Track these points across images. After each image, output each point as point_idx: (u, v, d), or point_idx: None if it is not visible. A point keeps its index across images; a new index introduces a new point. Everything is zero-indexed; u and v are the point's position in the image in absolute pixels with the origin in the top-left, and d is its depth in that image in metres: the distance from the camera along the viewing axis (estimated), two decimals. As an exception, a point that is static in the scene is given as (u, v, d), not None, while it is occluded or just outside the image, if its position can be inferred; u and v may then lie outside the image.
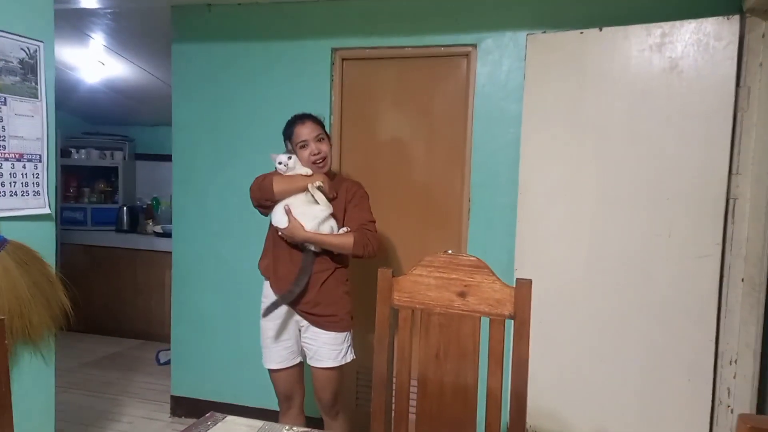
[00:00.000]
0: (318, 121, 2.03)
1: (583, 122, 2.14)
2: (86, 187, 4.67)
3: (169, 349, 3.12)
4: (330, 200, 1.97)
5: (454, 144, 2.55)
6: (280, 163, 1.96)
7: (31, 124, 1.88)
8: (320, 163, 1.98)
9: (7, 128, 1.81)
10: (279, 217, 1.93)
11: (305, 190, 1.92)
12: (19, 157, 1.85)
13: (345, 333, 2.00)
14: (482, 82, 2.46)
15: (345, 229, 1.95)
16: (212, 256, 2.91)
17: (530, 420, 2.21)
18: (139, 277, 4.30)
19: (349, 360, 2.02)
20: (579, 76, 2.14)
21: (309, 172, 1.96)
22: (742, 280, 1.97)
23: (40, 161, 1.91)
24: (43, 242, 1.94)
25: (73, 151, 4.56)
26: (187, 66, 2.88)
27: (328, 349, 1.97)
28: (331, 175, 2.06)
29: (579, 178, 2.16)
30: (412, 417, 1.51)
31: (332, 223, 1.95)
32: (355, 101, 2.69)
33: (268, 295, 2.01)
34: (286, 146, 2.06)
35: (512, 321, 1.40)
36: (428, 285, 1.47)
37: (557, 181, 2.20)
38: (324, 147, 1.99)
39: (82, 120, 4.88)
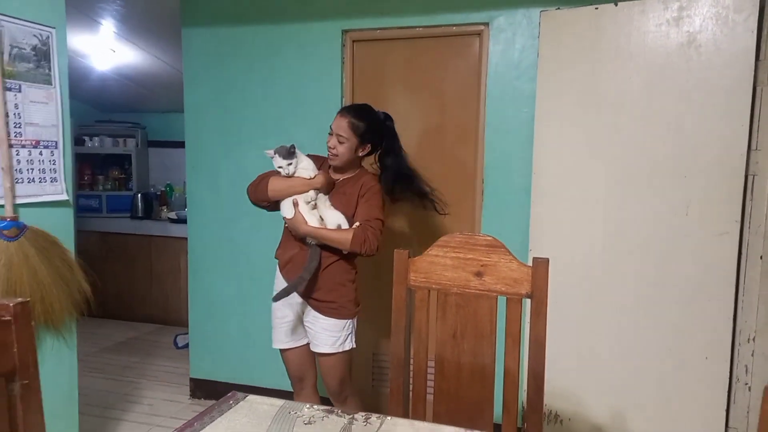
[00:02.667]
0: (350, 121, 1.95)
1: (599, 100, 2.11)
2: (100, 175, 4.71)
3: (187, 333, 3.17)
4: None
5: (466, 125, 2.53)
6: (279, 167, 1.93)
7: (46, 111, 1.89)
8: (331, 156, 1.99)
9: (23, 115, 1.82)
10: (286, 208, 1.95)
11: (301, 193, 1.93)
12: (36, 144, 1.86)
13: (345, 321, 1.99)
14: (495, 62, 2.43)
15: (357, 224, 1.94)
16: (226, 241, 2.93)
17: (547, 400, 2.22)
18: (155, 263, 4.35)
19: (347, 348, 2.01)
20: (594, 52, 2.10)
21: (311, 174, 1.94)
22: (761, 257, 1.94)
23: (56, 148, 1.92)
24: (62, 228, 1.96)
25: (87, 139, 4.59)
26: (197, 51, 2.87)
27: (326, 335, 1.98)
28: (354, 169, 2.05)
29: (595, 156, 2.14)
30: (429, 397, 1.52)
31: (340, 218, 1.94)
32: (367, 83, 2.67)
33: (280, 280, 2.03)
34: None
35: (529, 300, 1.40)
36: (444, 265, 1.47)
37: (572, 160, 2.18)
38: (341, 148, 1.95)
39: (93, 108, 4.90)
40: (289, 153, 1.92)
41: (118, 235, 4.39)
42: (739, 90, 1.89)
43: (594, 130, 2.13)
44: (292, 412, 1.24)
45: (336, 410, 1.27)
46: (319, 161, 2.03)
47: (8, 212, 1.76)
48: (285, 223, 2.00)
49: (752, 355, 2.00)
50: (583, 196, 2.16)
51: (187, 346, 3.35)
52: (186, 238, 3.05)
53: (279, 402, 1.29)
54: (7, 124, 1.75)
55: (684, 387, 2.05)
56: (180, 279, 4.15)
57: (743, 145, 1.90)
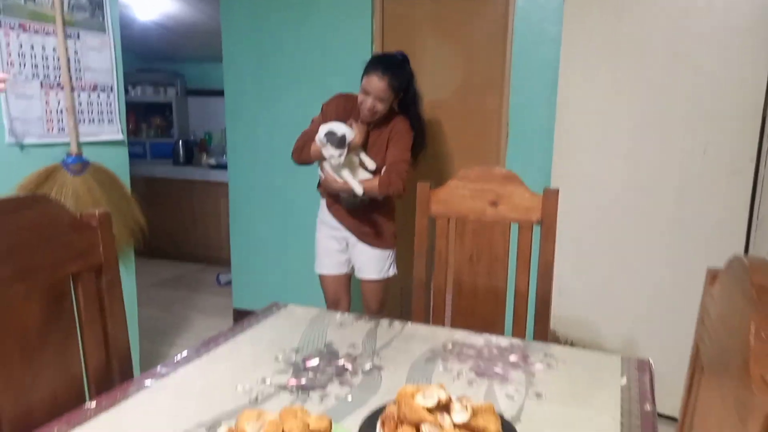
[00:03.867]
0: (389, 83, 1.96)
1: (623, 41, 2.15)
2: (143, 123, 4.94)
3: (228, 272, 3.42)
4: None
5: (493, 66, 2.60)
6: (331, 156, 1.93)
7: (101, 57, 2.06)
8: (369, 115, 2.02)
9: (82, 61, 2.00)
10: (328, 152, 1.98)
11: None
12: (94, 88, 2.05)
13: (388, 250, 2.20)
14: (522, 4, 2.48)
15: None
16: (264, 184, 3.12)
17: (559, 327, 2.38)
18: (197, 207, 4.61)
19: (390, 275, 2.23)
20: (619, -6, 2.13)
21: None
22: (775, 195, 2.01)
23: (112, 91, 2.11)
24: (119, 166, 2.17)
25: (129, 87, 4.80)
26: (234, 1, 2.99)
27: (373, 263, 2.19)
28: (387, 115, 2.11)
29: (618, 97, 2.20)
30: (448, 314, 1.70)
31: (366, 173, 2.06)
32: (396, 28, 2.75)
33: (325, 213, 2.21)
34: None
35: (540, 227, 1.53)
36: (463, 196, 1.61)
37: (596, 101, 2.25)
38: (380, 107, 2.00)
39: (135, 58, 5.09)
40: (340, 142, 1.93)
41: (162, 180, 4.65)
42: (759, 30, 1.91)
43: (617, 73, 2.18)
44: (326, 318, 1.44)
45: (364, 317, 1.45)
46: (350, 102, 2.12)
47: (73, 149, 1.97)
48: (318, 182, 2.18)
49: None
50: (605, 136, 2.24)
51: (229, 283, 3.62)
52: (225, 183, 3.26)
53: (315, 311, 1.49)
54: (69, 69, 1.94)
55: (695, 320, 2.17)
56: (220, 221, 4.40)
57: (762, 84, 1.94)
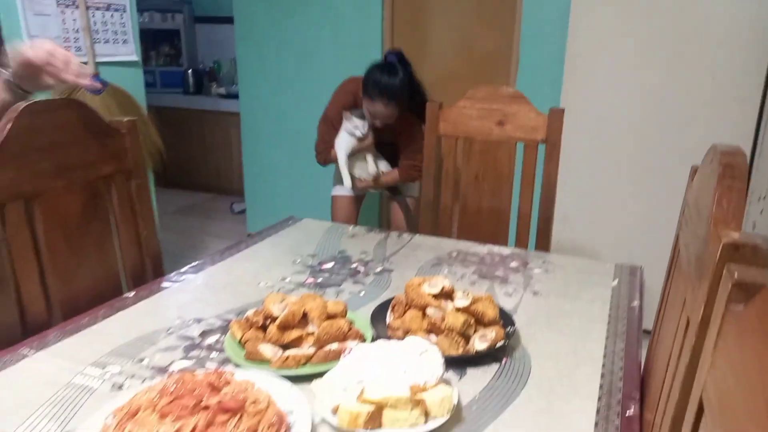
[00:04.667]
0: (394, 105, 2.02)
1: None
2: (152, 50, 4.90)
3: (241, 201, 3.52)
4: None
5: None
6: (356, 127, 2.08)
7: (112, -24, 2.07)
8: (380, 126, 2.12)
9: (95, -20, 2.01)
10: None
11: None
12: (107, 7, 2.07)
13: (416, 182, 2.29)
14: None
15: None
16: (275, 110, 3.16)
17: (564, 249, 2.47)
18: (208, 136, 4.65)
19: (415, 195, 2.32)
20: None
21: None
22: (780, 121, 2.04)
23: (125, 11, 2.13)
24: (134, 86, 2.22)
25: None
26: None
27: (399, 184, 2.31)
28: None
29: (627, 23, 2.18)
30: (453, 232, 1.79)
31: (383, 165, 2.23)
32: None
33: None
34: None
35: (544, 146, 1.59)
36: (470, 116, 1.65)
37: (606, 28, 2.23)
38: (390, 121, 2.08)
39: (140, -17, 4.99)
40: (362, 114, 2.09)
41: (173, 109, 4.67)
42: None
43: (630, -4, 2.16)
44: (339, 230, 1.53)
45: (374, 229, 1.54)
46: (355, 86, 2.13)
47: (91, 69, 2.01)
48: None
49: (761, 213, 2.16)
50: (615, 61, 2.24)
51: (243, 211, 3.73)
52: (235, 113, 3.30)
53: (328, 224, 1.58)
54: (82, -13, 1.95)
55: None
56: (232, 151, 4.47)
57: (776, 7, 1.93)
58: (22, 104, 0.95)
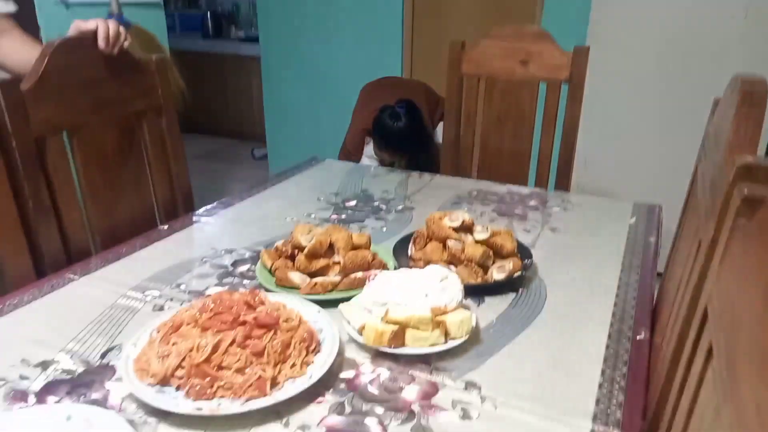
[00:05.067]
0: (402, 153, 2.02)
1: None
2: (170, -7, 4.84)
3: (262, 146, 3.55)
4: None
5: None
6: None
7: None
8: None
9: None
10: None
11: None
12: (128, -54, 2.05)
13: None
14: None
15: None
16: (297, 54, 3.13)
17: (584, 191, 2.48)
18: (228, 81, 4.63)
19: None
20: None
21: None
22: (815, 61, 1.97)
23: (145, -51, 2.11)
24: (157, 28, 2.22)
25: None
26: None
27: None
28: None
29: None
30: (474, 173, 1.80)
31: None
32: None
33: None
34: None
35: (567, 85, 1.57)
36: (494, 55, 1.64)
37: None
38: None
39: None
40: None
41: (192, 53, 4.64)
42: None
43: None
44: (361, 170, 1.56)
45: (396, 169, 1.57)
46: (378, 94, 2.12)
47: (114, 9, 2.02)
48: None
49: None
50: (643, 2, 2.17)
51: (264, 157, 3.76)
52: (256, 58, 3.27)
53: (351, 164, 1.61)
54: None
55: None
56: (252, 97, 4.46)
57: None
58: (56, 40, 0.98)
